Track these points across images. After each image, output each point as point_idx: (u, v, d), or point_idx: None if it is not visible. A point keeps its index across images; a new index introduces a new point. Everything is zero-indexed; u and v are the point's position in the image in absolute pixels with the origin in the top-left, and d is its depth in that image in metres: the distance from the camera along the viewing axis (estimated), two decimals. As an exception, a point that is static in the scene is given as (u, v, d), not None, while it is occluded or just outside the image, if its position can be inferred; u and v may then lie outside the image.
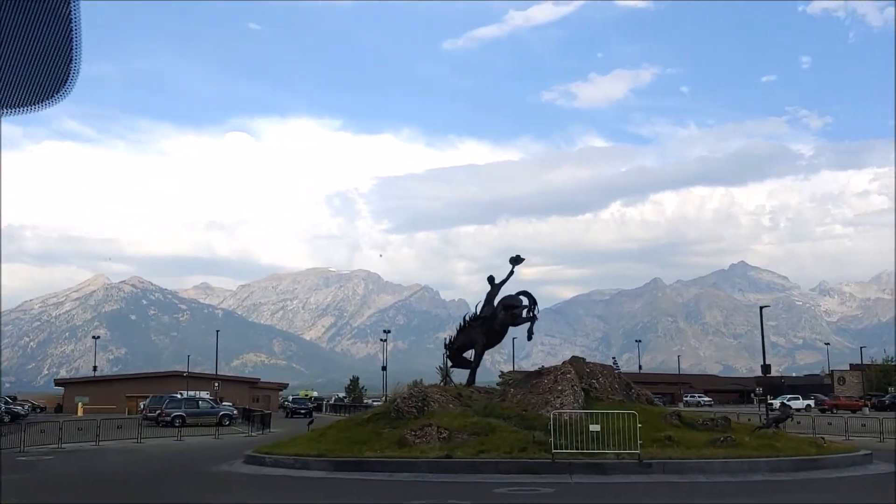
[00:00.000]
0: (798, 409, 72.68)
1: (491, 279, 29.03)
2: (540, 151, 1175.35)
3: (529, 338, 28.03)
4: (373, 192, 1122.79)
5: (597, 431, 19.14)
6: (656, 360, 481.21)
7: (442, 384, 28.30)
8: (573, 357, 27.22)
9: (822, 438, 22.31)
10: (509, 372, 55.49)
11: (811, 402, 78.85)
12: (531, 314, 27.89)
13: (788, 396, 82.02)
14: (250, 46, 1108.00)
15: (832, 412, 65.55)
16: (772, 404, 79.29)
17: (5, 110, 1.93)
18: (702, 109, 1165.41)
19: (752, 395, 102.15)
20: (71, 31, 1.82)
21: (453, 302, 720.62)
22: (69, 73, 1.85)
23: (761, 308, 61.24)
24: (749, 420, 42.23)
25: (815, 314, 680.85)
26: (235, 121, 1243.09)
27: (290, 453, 21.53)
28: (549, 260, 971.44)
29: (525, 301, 28.03)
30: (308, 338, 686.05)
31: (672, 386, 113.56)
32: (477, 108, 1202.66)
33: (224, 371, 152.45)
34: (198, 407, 49.61)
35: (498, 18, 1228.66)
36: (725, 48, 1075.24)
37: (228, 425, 46.44)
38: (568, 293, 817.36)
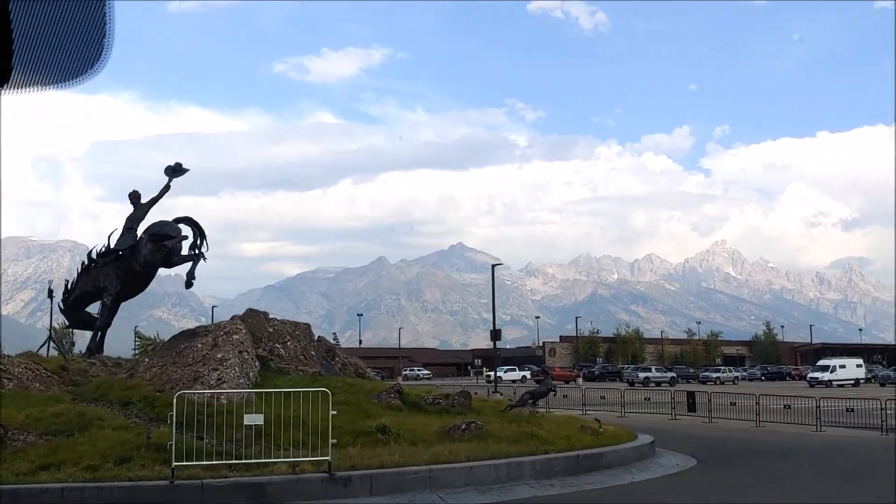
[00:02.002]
0: (514, 381, 71.18)
1: (134, 196, 19.57)
2: (268, 124, 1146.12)
3: (189, 285, 19.15)
4: (86, 156, 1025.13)
5: (259, 425, 11.02)
6: (378, 337, 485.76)
7: (56, 353, 18.52)
8: (249, 310, 18.73)
9: (597, 420, 15.91)
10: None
11: (527, 373, 77.29)
12: (195, 251, 19.09)
13: (505, 368, 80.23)
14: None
15: (549, 383, 63.70)
16: (489, 375, 77.52)
17: (35, 87, 1.87)
18: (429, 95, 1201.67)
19: (469, 367, 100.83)
20: (104, 8, 1.80)
21: (170, 277, 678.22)
22: (101, 51, 1.83)
23: (493, 290, 56.44)
24: (476, 393, 36.82)
25: (522, 293, 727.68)
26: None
27: None
28: (274, 236, 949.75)
29: (185, 231, 19.09)
30: (6, 312, 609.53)
31: (392, 360, 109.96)
32: (203, 75, 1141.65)
33: None
34: None
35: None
36: (453, 39, 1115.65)
37: None
38: (293, 270, 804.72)
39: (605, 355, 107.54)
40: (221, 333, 16.03)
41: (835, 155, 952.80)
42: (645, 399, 31.65)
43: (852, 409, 24.90)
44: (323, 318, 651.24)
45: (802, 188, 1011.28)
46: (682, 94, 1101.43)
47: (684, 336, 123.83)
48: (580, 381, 70.17)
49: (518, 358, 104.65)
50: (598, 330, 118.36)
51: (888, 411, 23.50)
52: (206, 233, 19.42)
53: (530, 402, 16.71)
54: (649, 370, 71.81)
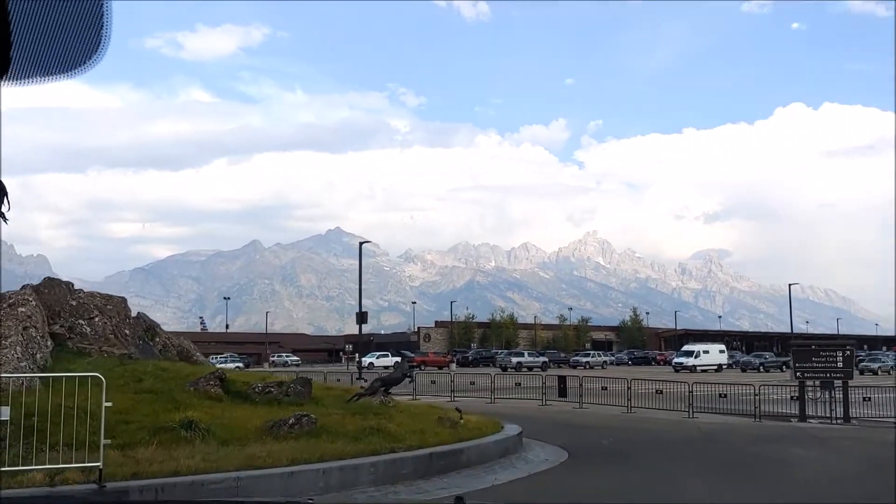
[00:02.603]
0: (386, 367, 69.09)
1: None
2: (140, 100, 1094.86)
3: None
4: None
5: (4, 420, 8.32)
6: (251, 322, 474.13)
7: None
8: (47, 279, 15.61)
9: (458, 410, 13.83)
10: None
11: (399, 359, 75.08)
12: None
13: (377, 354, 78.11)
14: None
15: (421, 368, 62.05)
16: (360, 361, 75.15)
17: (34, 78, 1.88)
18: (309, 76, 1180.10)
19: (341, 353, 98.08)
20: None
21: (31, 258, 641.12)
22: (100, 42, 1.84)
23: (360, 270, 54.09)
24: (339, 381, 34.41)
25: (401, 279, 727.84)
26: None
27: None
28: (144, 216, 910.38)
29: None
30: None
31: (259, 346, 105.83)
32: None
33: None
34: None
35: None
36: (335, 21, 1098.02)
37: None
38: (163, 252, 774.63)
39: (480, 341, 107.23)
40: (4, 306, 12.99)
41: (699, 151, 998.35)
42: (516, 384, 30.15)
43: (725, 395, 24.02)
44: (194, 303, 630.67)
45: (669, 182, 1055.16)
46: (559, 87, 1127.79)
47: (557, 322, 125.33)
48: (453, 366, 68.91)
49: (392, 343, 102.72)
50: (473, 315, 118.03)
51: (760, 397, 22.73)
52: (8, 195, 16.17)
53: (382, 389, 14.50)
54: (522, 355, 71.32)
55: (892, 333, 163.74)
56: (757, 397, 22.41)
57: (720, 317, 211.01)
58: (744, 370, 66.15)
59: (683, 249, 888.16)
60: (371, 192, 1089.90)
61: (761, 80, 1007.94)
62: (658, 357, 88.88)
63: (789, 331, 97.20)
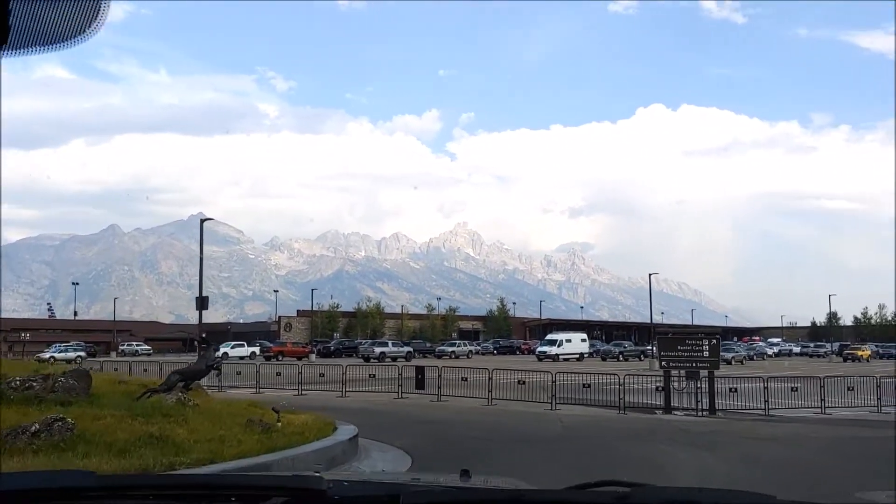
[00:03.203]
0: (242, 357, 65.47)
1: None
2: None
3: None
4: None
5: None
6: (107, 310, 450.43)
7: None
8: None
9: (275, 410, 11.39)
10: None
11: (256, 349, 71.86)
12: None
13: (233, 343, 74.33)
14: None
15: (278, 359, 59.20)
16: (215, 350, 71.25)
17: (33, 48, 1.87)
18: (174, 56, 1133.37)
19: (196, 342, 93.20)
20: None
21: None
22: (98, 10, 1.84)
23: (201, 249, 50.27)
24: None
25: (266, 268, 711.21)
26: None
27: None
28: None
29: None
30: None
31: (110, 334, 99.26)
32: None
33: None
34: None
35: None
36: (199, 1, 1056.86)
37: None
38: (14, 236, 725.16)
39: (345, 331, 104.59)
40: None
41: (566, 147, 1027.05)
42: (370, 376, 27.91)
43: (588, 385, 22.70)
44: (46, 289, 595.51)
45: (537, 177, 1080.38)
46: (433, 78, 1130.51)
47: (425, 312, 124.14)
48: (313, 356, 66.23)
49: (251, 333, 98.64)
50: (338, 304, 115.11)
51: (624, 387, 21.49)
52: None
53: (180, 384, 11.92)
54: (386, 345, 69.25)
55: (741, 325, 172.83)
56: (621, 388, 21.15)
57: (582, 307, 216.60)
58: (604, 359, 66.72)
59: (549, 242, 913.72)
60: (237, 178, 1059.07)
61: (625, 80, 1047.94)
62: (523, 346, 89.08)
63: (647, 321, 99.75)
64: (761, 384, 21.88)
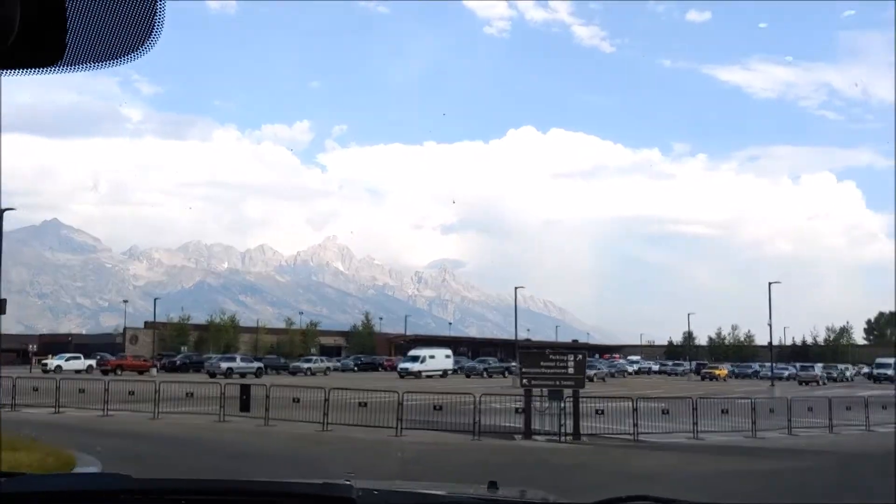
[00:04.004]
0: (78, 371, 59.40)
1: None
2: None
3: None
4: None
5: None
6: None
7: None
8: None
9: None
10: None
11: (93, 363, 65.75)
12: None
13: (68, 356, 67.83)
14: None
15: (116, 373, 53.78)
16: (45, 364, 64.46)
17: (87, 65, 1.88)
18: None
19: (30, 354, 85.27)
20: None
21: None
22: (152, 29, 1.84)
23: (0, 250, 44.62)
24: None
25: (124, 278, 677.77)
26: None
27: None
28: None
29: None
30: None
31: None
32: None
33: None
34: None
35: None
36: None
37: None
38: None
39: (196, 344, 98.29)
40: None
41: (439, 164, 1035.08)
42: (187, 394, 23.94)
43: (440, 407, 19.81)
44: None
45: (409, 192, 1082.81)
46: (305, 89, 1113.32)
47: (284, 326, 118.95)
48: (155, 371, 60.83)
49: (96, 345, 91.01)
50: (189, 316, 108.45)
51: (482, 408, 18.75)
52: None
53: None
54: (234, 360, 64.48)
55: (602, 342, 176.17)
56: (477, 409, 18.38)
57: (450, 324, 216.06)
58: (468, 376, 64.73)
59: (421, 258, 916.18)
60: (95, 183, 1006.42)
61: (498, 101, 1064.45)
62: (386, 363, 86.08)
63: (513, 337, 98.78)
64: (629, 405, 19.64)
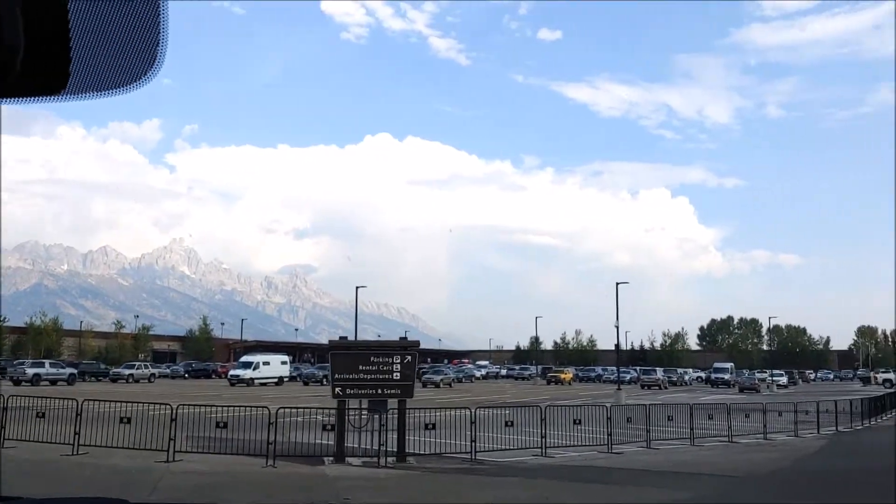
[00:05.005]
0: None
1: None
2: None
3: None
4: None
5: None
6: None
7: None
8: None
9: None
10: None
11: None
12: None
13: None
14: None
15: None
16: None
17: (91, 93, 1.85)
18: None
19: None
20: (159, 12, 1.84)
21: None
22: (156, 57, 1.84)
23: None
24: None
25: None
26: None
27: None
28: None
29: None
30: None
31: None
32: None
33: None
34: None
35: None
36: None
37: None
38: None
39: (12, 349, 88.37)
40: None
41: (293, 168, 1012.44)
42: None
43: (224, 424, 15.62)
44: None
45: (261, 195, 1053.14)
46: (155, 86, 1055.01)
47: (113, 329, 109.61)
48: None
49: None
50: (6, 318, 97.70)
51: (280, 424, 14.78)
52: None
53: None
54: (42, 365, 57.02)
55: (453, 348, 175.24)
56: (272, 426, 14.40)
57: (297, 330, 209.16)
58: (307, 383, 60.34)
59: (271, 263, 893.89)
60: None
61: (355, 107, 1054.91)
62: (220, 369, 79.87)
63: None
64: (468, 415, 16.18)
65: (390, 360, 15.04)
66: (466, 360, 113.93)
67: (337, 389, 15.02)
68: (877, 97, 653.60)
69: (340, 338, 18.45)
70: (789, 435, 21.23)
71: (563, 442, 17.00)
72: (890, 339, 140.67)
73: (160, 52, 1.83)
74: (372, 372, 14.98)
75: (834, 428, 22.98)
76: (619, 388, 45.51)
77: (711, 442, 19.18)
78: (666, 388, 64.84)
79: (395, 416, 14.97)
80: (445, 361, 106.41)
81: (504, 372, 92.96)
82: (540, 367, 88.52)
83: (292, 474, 13.39)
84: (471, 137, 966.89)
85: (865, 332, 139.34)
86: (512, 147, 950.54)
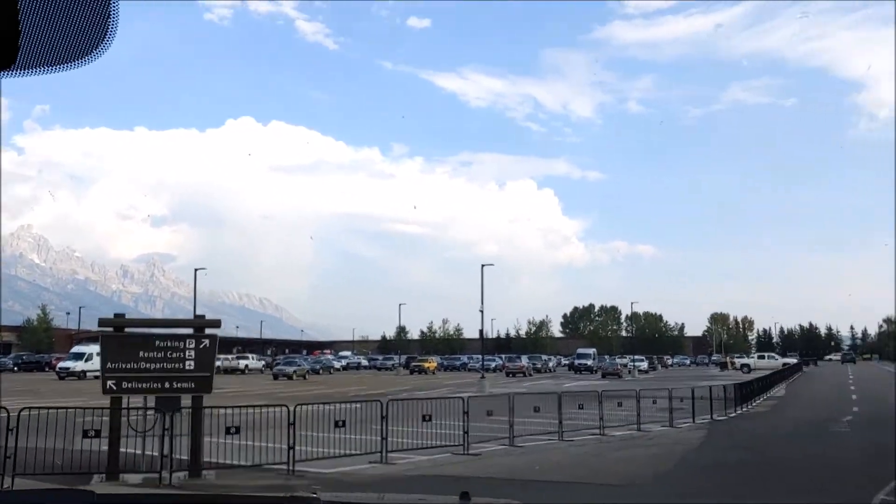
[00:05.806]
0: None
1: None
2: None
3: None
4: None
5: None
6: None
7: None
8: None
9: None
10: None
11: None
12: None
13: None
14: None
15: None
16: None
17: (41, 68, 1.86)
18: None
19: None
20: None
21: None
22: (106, 31, 1.83)
23: None
24: None
25: None
26: None
27: None
28: None
29: None
30: None
31: None
32: None
33: None
34: None
35: None
36: None
37: None
38: None
39: None
40: None
41: (150, 152, 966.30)
42: None
43: (12, 429, 11.68)
44: None
45: (117, 180, 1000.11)
46: None
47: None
48: None
49: None
50: None
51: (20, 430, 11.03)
52: None
53: None
54: None
55: (316, 339, 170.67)
56: (12, 431, 10.63)
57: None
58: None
59: (128, 251, 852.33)
60: None
61: (216, 89, 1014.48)
62: (54, 361, 72.86)
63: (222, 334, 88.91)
64: (286, 413, 12.79)
65: (181, 345, 11.52)
66: (328, 351, 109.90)
67: (109, 383, 11.36)
68: (729, 95, 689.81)
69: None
70: (664, 425, 19.14)
71: (411, 443, 14.01)
72: (741, 326, 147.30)
73: (111, 26, 1.78)
74: (158, 360, 11.43)
75: (709, 416, 21.13)
76: (482, 377, 43.26)
77: (582, 436, 16.69)
78: (531, 374, 63.64)
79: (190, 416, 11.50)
80: (304, 352, 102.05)
81: (366, 362, 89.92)
82: (404, 356, 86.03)
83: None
84: (338, 123, 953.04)
85: (718, 319, 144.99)
86: (381, 135, 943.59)
